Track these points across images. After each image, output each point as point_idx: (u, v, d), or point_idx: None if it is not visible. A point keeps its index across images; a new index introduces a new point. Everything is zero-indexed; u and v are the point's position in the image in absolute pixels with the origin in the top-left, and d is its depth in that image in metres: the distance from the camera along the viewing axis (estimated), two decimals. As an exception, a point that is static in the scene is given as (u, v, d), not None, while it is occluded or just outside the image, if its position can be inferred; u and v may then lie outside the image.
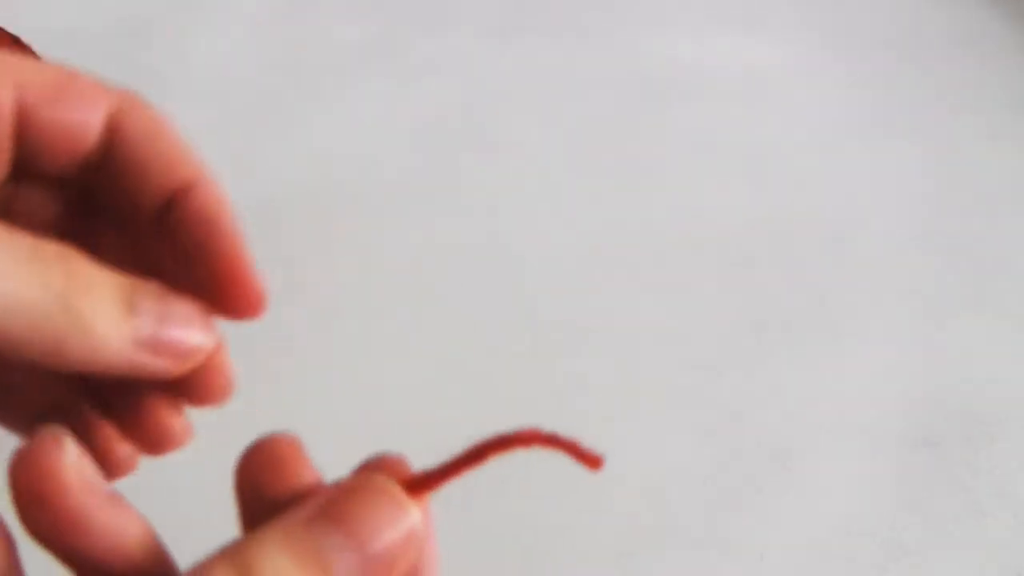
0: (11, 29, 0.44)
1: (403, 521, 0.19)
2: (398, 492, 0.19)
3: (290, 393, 0.41)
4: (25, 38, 0.44)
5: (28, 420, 0.22)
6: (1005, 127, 0.56)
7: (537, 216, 0.50)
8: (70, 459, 0.17)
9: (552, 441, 0.22)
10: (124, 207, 0.22)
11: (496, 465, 0.41)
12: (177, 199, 0.22)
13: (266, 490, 0.19)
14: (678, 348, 0.44)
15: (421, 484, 0.21)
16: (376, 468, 0.20)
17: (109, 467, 0.21)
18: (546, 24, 0.62)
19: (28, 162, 0.21)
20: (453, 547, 0.39)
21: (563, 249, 0.48)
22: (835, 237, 0.49)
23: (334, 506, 0.18)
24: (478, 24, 0.61)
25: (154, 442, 0.21)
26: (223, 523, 0.19)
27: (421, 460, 0.42)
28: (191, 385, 0.21)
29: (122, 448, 0.21)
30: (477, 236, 0.48)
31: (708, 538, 0.38)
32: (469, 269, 0.47)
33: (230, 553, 0.17)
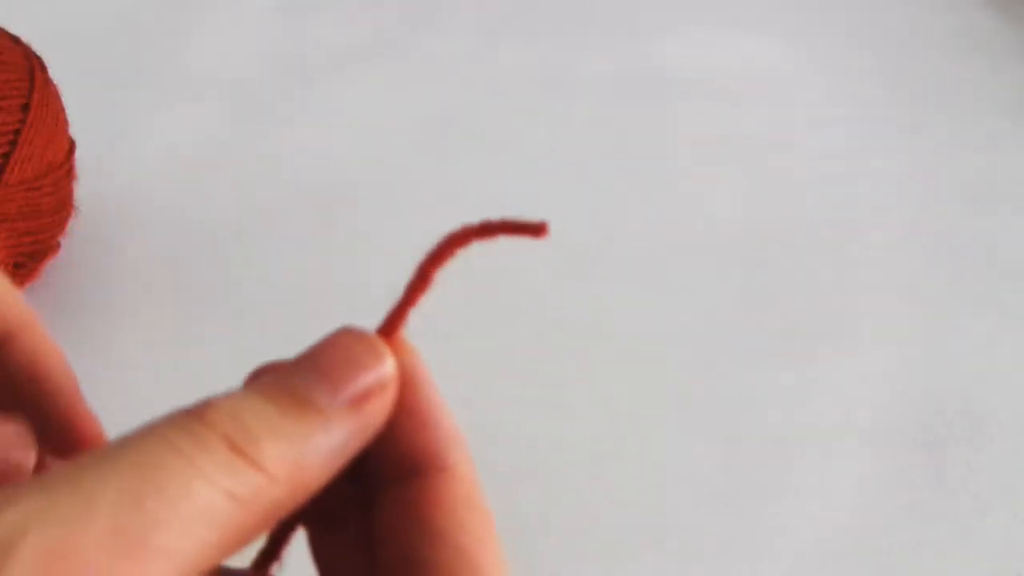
0: (11, 29, 0.44)
1: (378, 367, 0.19)
2: (373, 339, 0.19)
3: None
4: (25, 38, 0.44)
5: None
6: (1005, 128, 0.56)
7: (536, 216, 0.50)
8: None
9: (488, 230, 0.22)
10: None
11: (496, 465, 0.42)
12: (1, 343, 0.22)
13: None
14: (678, 348, 0.44)
15: (388, 329, 0.21)
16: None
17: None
18: (546, 24, 0.62)
19: None
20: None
21: (562, 249, 0.48)
22: (835, 237, 0.49)
23: (309, 352, 0.18)
24: (478, 24, 0.61)
25: None
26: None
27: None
28: None
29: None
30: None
31: (708, 538, 0.38)
32: (468, 269, 0.47)
33: (207, 400, 0.17)
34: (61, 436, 0.22)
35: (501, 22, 0.62)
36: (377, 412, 0.18)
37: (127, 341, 0.42)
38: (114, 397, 0.34)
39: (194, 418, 0.16)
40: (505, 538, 0.40)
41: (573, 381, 0.43)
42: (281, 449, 0.16)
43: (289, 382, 0.17)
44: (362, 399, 0.18)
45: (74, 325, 0.43)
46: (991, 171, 0.53)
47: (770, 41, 0.61)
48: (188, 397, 0.18)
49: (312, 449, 0.17)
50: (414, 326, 0.42)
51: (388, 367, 0.19)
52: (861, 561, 0.38)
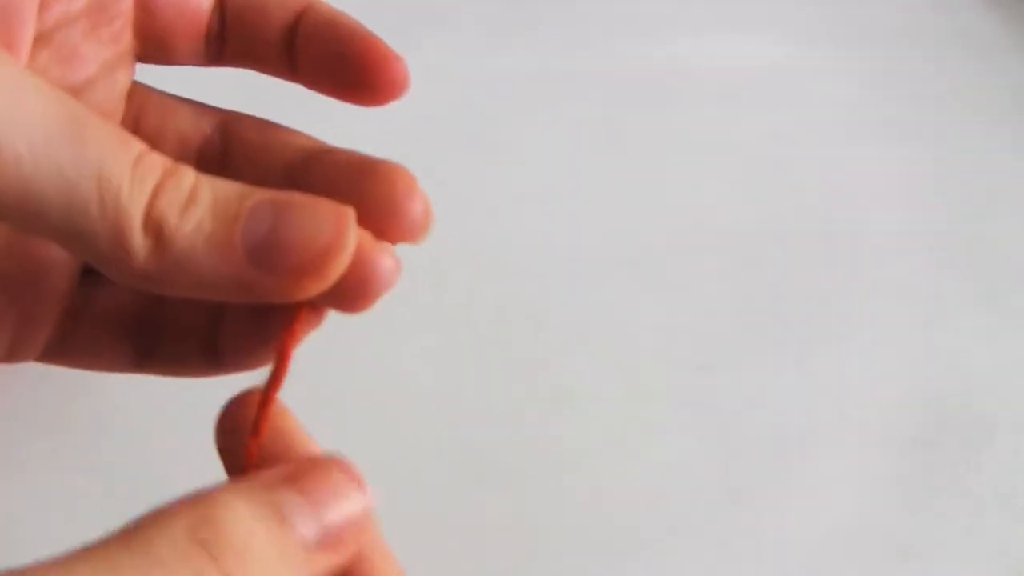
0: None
1: (360, 498, 0.19)
2: (356, 471, 0.19)
3: (287, 394, 0.41)
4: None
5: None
6: (1005, 127, 0.56)
7: (536, 216, 0.50)
8: None
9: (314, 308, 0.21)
10: (250, 54, 0.23)
11: (496, 465, 0.42)
12: (295, 27, 0.23)
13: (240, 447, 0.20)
14: (678, 348, 0.44)
15: (263, 416, 0.21)
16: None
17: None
18: (546, 24, 0.62)
19: (151, 42, 0.22)
20: (452, 547, 0.39)
21: (563, 248, 0.48)
22: (835, 237, 0.49)
23: (298, 471, 0.18)
24: (478, 24, 0.61)
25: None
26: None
27: (421, 459, 0.42)
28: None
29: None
30: (476, 236, 0.48)
31: (708, 538, 0.38)
32: (468, 269, 0.47)
33: (192, 501, 0.17)
34: (376, 85, 0.24)
35: (501, 22, 0.62)
36: (348, 555, 0.18)
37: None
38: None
39: (203, 558, 0.16)
40: (505, 538, 0.41)
41: (572, 380, 0.43)
42: None
43: (275, 500, 0.17)
44: (340, 542, 0.18)
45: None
46: (991, 171, 0.53)
47: (770, 41, 0.61)
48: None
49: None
50: (415, 327, 0.43)
51: (367, 504, 0.19)
52: (861, 561, 0.38)
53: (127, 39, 0.22)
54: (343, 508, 0.18)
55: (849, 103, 0.57)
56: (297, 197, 0.19)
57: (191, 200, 0.18)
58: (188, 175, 0.18)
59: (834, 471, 0.40)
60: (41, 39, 0.20)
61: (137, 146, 0.18)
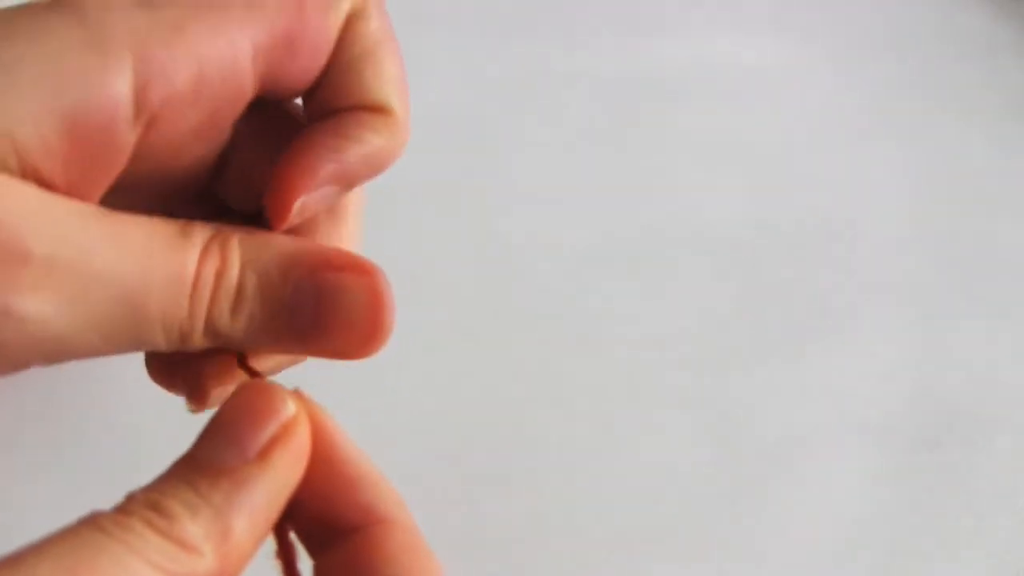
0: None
1: (278, 412, 0.19)
2: (268, 387, 0.19)
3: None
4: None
5: None
6: (1005, 128, 0.56)
7: (536, 216, 0.50)
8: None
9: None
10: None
11: (496, 465, 0.42)
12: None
13: None
14: (678, 348, 0.44)
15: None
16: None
17: None
18: (545, 24, 0.62)
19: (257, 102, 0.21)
20: (452, 547, 0.39)
21: (562, 248, 0.48)
22: (835, 237, 0.49)
23: (213, 417, 0.19)
24: (478, 24, 0.61)
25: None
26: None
27: (422, 458, 0.42)
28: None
29: None
30: (475, 236, 0.48)
31: (708, 539, 0.38)
32: (468, 269, 0.47)
33: (128, 496, 0.17)
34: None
35: (500, 22, 0.62)
36: (290, 456, 0.18)
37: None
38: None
39: (117, 510, 0.17)
40: (504, 539, 0.41)
41: (572, 381, 0.43)
42: (202, 523, 0.17)
43: (196, 454, 0.18)
44: (270, 448, 0.18)
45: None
46: (991, 171, 0.53)
47: (770, 41, 0.61)
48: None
49: (233, 514, 0.17)
50: (414, 327, 0.42)
51: (289, 410, 0.19)
52: (861, 560, 0.38)
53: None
54: (264, 430, 0.18)
55: (849, 103, 0.57)
56: (333, 271, 0.20)
57: (239, 296, 0.20)
58: (233, 267, 0.20)
59: (834, 471, 0.40)
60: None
61: (191, 269, 0.19)
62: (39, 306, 0.17)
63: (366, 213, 0.53)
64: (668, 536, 0.38)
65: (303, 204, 0.21)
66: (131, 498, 0.17)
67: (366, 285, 0.20)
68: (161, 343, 0.19)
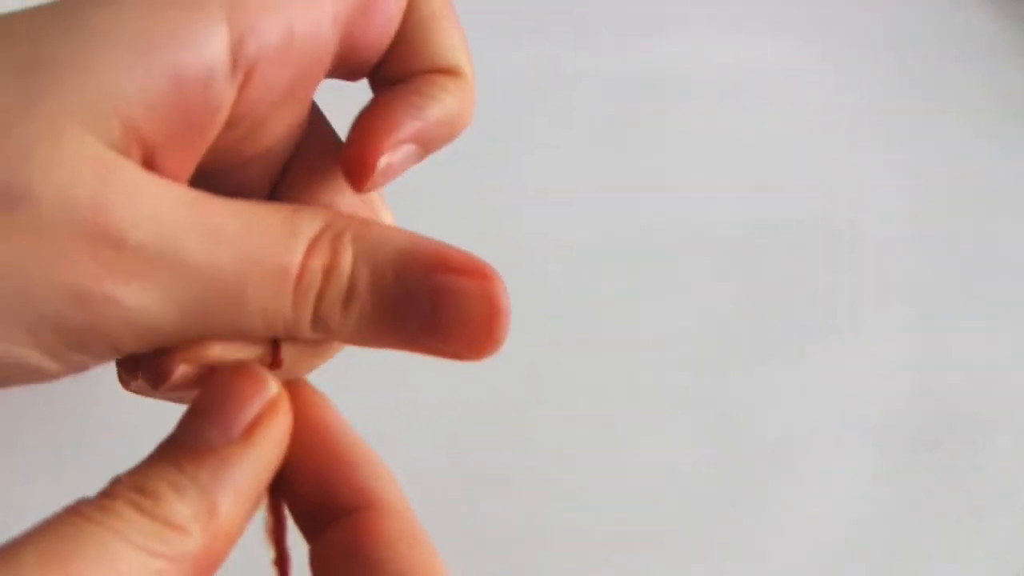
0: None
1: (261, 391, 0.18)
2: (251, 367, 0.19)
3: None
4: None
5: None
6: (1005, 128, 0.56)
7: (536, 216, 0.50)
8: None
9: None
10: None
11: (496, 465, 0.42)
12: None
13: None
14: (679, 348, 0.44)
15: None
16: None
17: None
18: (545, 24, 0.62)
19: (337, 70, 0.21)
20: (452, 547, 0.39)
21: (563, 248, 0.48)
22: (835, 237, 0.49)
23: (196, 398, 0.19)
24: (478, 24, 0.61)
25: None
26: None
27: (422, 458, 0.42)
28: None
29: None
30: (475, 235, 0.48)
31: (708, 538, 0.38)
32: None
33: (113, 479, 0.17)
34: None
35: (500, 22, 0.62)
36: (274, 435, 0.18)
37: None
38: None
39: (101, 495, 0.17)
40: (504, 539, 0.41)
41: (572, 381, 0.43)
42: (189, 503, 0.17)
43: (181, 436, 0.18)
44: (254, 426, 0.18)
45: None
46: (991, 171, 0.53)
47: (770, 41, 0.61)
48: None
49: (219, 492, 0.17)
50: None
51: (272, 390, 0.19)
52: (861, 561, 0.38)
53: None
54: (247, 408, 0.18)
55: (850, 103, 0.57)
56: (450, 273, 0.20)
57: (351, 293, 0.19)
58: (346, 262, 0.19)
59: (834, 471, 0.40)
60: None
61: (295, 262, 0.18)
62: (136, 293, 0.17)
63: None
64: (668, 536, 0.38)
65: (388, 163, 0.20)
66: (115, 482, 0.17)
67: (484, 290, 0.20)
68: (263, 334, 0.19)
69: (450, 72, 0.22)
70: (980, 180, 0.53)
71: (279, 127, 0.20)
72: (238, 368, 0.19)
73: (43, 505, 0.17)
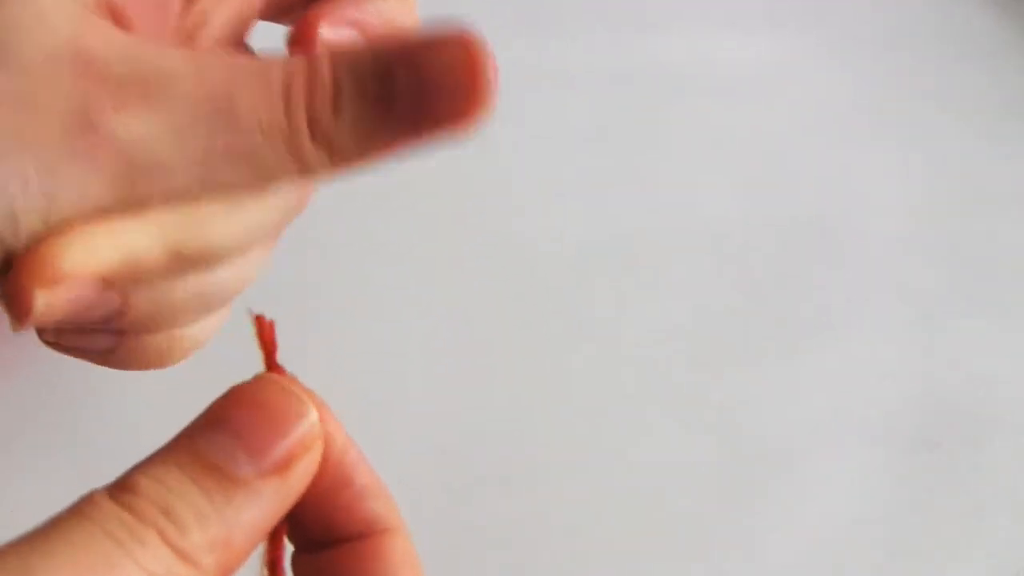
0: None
1: (301, 422, 0.18)
2: (293, 390, 0.18)
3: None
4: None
5: None
6: (1005, 128, 0.56)
7: (535, 216, 0.50)
8: None
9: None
10: None
11: (492, 466, 0.42)
12: None
13: None
14: (677, 348, 0.44)
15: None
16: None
17: None
18: (545, 24, 0.62)
19: None
20: (452, 547, 0.39)
21: (562, 248, 0.48)
22: (835, 237, 0.49)
23: (226, 412, 0.18)
24: (478, 24, 0.61)
25: None
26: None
27: (422, 458, 0.42)
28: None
29: None
30: (474, 236, 0.48)
31: (707, 538, 0.38)
32: (467, 269, 0.47)
33: (113, 482, 0.17)
34: None
35: (499, 21, 0.62)
36: (304, 472, 0.18)
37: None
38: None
39: (125, 507, 0.16)
40: (504, 539, 0.41)
41: (570, 380, 0.43)
42: (209, 536, 0.16)
43: (208, 452, 0.17)
44: (287, 462, 0.17)
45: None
46: (991, 171, 0.53)
47: (767, 38, 0.61)
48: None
49: (239, 525, 0.16)
50: (413, 326, 0.42)
51: (312, 421, 0.18)
52: (861, 561, 0.38)
53: None
54: (284, 442, 0.17)
55: (848, 103, 0.57)
56: (418, 38, 0.20)
57: (337, 91, 0.19)
58: (323, 65, 0.19)
59: (834, 471, 0.40)
60: None
61: (277, 75, 0.19)
62: (128, 124, 0.17)
63: (364, 212, 0.53)
64: (668, 536, 0.38)
65: (325, 35, 0.21)
66: (139, 492, 0.16)
67: (458, 42, 0.21)
68: (271, 159, 0.19)
69: None
70: (980, 180, 0.53)
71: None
72: (277, 385, 0.18)
73: (43, 505, 0.16)
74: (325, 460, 0.19)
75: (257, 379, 0.18)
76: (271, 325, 0.21)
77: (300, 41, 0.21)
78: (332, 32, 0.21)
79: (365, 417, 0.41)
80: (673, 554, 0.38)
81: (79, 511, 0.16)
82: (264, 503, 0.17)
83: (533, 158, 0.53)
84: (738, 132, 0.55)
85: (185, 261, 0.20)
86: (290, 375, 0.20)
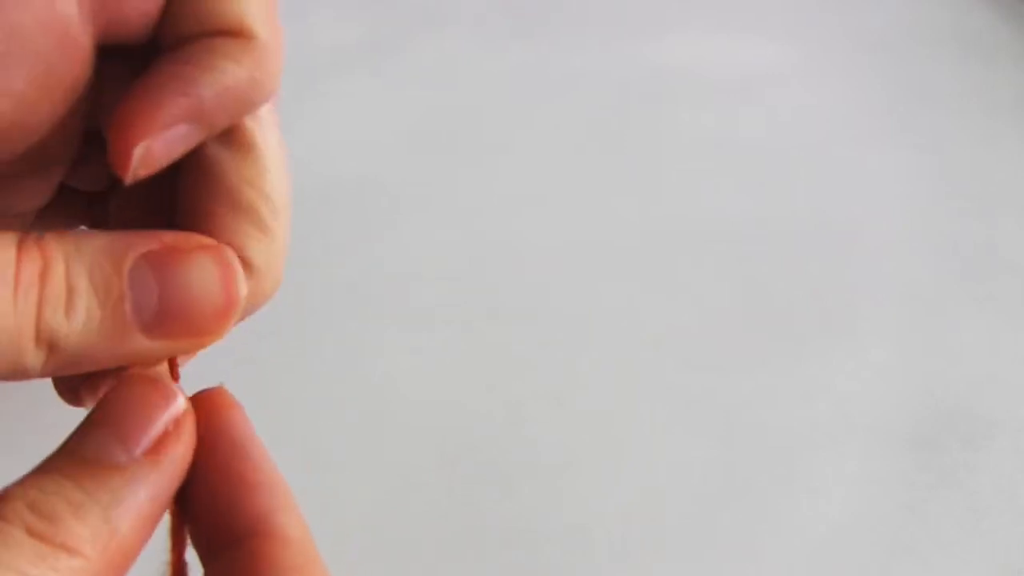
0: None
1: (168, 406, 0.18)
2: (157, 379, 0.18)
3: (291, 396, 0.41)
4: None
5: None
6: (1006, 128, 0.56)
7: (535, 217, 0.50)
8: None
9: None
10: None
11: (493, 466, 0.42)
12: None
13: None
14: (678, 348, 0.44)
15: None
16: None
17: None
18: (545, 24, 0.62)
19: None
20: (452, 547, 0.39)
21: (562, 249, 0.48)
22: (835, 237, 0.49)
23: (97, 408, 0.18)
24: (478, 24, 0.61)
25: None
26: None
27: (422, 458, 0.42)
28: None
29: None
30: (473, 239, 0.48)
31: (707, 538, 0.38)
32: (466, 271, 0.47)
33: (4, 493, 0.16)
34: None
35: (500, 22, 0.62)
36: (179, 453, 0.18)
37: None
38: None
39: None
40: (504, 539, 0.41)
41: (570, 380, 0.43)
42: (89, 524, 0.16)
43: (81, 449, 0.17)
44: (160, 445, 0.17)
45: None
46: (991, 171, 0.53)
47: (769, 41, 0.61)
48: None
49: (121, 513, 0.16)
50: (413, 326, 0.42)
51: (179, 406, 0.18)
52: (861, 561, 0.38)
53: None
54: (153, 425, 0.17)
55: (850, 104, 0.57)
56: (172, 249, 0.18)
57: (70, 293, 0.17)
58: (58, 264, 0.17)
59: (834, 471, 0.40)
60: None
61: (10, 271, 0.17)
62: None
63: (365, 213, 0.53)
64: (667, 536, 0.38)
65: (147, 149, 0.18)
66: (8, 496, 0.16)
67: (212, 257, 0.19)
68: None
69: (235, 34, 0.19)
70: (981, 180, 0.53)
71: (46, 122, 0.18)
72: (143, 377, 0.18)
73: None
74: (214, 451, 0.18)
75: (124, 376, 0.18)
76: None
77: (116, 162, 0.18)
78: (153, 144, 0.18)
79: (365, 417, 0.41)
80: (673, 554, 0.38)
81: None
82: (142, 486, 0.17)
83: (539, 161, 0.53)
84: (741, 135, 0.55)
85: None
86: (163, 371, 0.19)
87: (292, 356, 0.42)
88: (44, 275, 0.17)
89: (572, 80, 0.58)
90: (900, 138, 0.55)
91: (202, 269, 0.19)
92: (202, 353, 0.20)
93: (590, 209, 0.50)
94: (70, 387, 0.20)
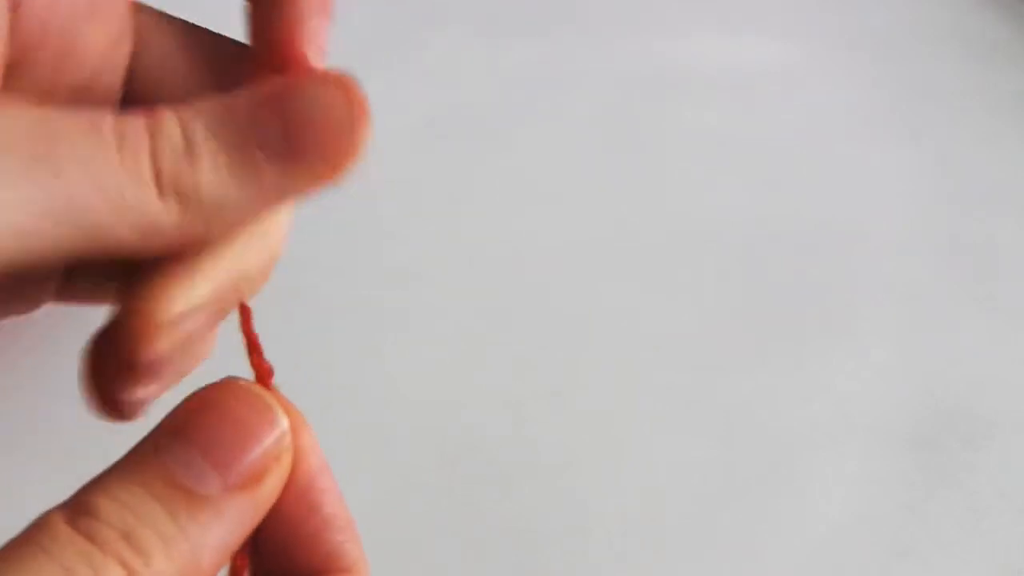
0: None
1: (271, 434, 0.17)
2: (263, 399, 0.17)
3: (290, 396, 0.41)
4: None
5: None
6: (1006, 127, 0.56)
7: (536, 216, 0.50)
8: None
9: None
10: None
11: (494, 466, 0.42)
12: None
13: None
14: (678, 348, 0.44)
15: (265, 382, 0.18)
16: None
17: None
18: (546, 24, 0.62)
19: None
20: (452, 547, 0.39)
21: (562, 249, 0.48)
22: (835, 237, 0.49)
23: (190, 422, 0.16)
24: (478, 24, 0.61)
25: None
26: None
27: (422, 458, 0.42)
28: None
29: None
30: (474, 237, 0.48)
31: (707, 538, 0.38)
32: (466, 269, 0.47)
33: (70, 500, 0.15)
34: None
35: (501, 22, 0.62)
36: (275, 484, 0.16)
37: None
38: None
39: (84, 534, 0.15)
40: (505, 539, 0.41)
41: (571, 380, 0.43)
42: (175, 561, 0.15)
43: (173, 469, 0.16)
44: (256, 476, 0.16)
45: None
46: (991, 171, 0.53)
47: (770, 41, 0.61)
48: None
49: (207, 548, 0.15)
50: (413, 326, 0.42)
51: (283, 430, 0.17)
52: (861, 561, 0.38)
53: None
54: (252, 455, 0.16)
55: (851, 103, 0.57)
56: (284, 83, 0.17)
57: (189, 143, 0.16)
58: (169, 121, 0.16)
59: (834, 471, 0.40)
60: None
61: (109, 130, 0.16)
62: None
63: (369, 213, 0.53)
64: (667, 536, 0.38)
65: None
66: (98, 517, 0.15)
67: (327, 78, 0.18)
68: (109, 217, 0.15)
69: None
70: (982, 180, 0.53)
71: (94, 48, 0.18)
72: (245, 393, 0.17)
73: (42, 504, 0.16)
74: (293, 480, 0.17)
75: (223, 384, 0.17)
76: (249, 313, 0.20)
77: (288, 62, 0.18)
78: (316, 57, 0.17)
79: (365, 417, 0.41)
80: (673, 554, 0.38)
81: (34, 540, 0.15)
82: (231, 520, 0.16)
83: (542, 160, 0.53)
84: (742, 134, 0.55)
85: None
86: (270, 368, 0.18)
87: (292, 356, 0.42)
88: (153, 128, 0.16)
89: (575, 79, 0.58)
90: (901, 137, 0.55)
91: (319, 89, 0.18)
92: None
93: (591, 208, 0.50)
94: (110, 397, 0.19)
